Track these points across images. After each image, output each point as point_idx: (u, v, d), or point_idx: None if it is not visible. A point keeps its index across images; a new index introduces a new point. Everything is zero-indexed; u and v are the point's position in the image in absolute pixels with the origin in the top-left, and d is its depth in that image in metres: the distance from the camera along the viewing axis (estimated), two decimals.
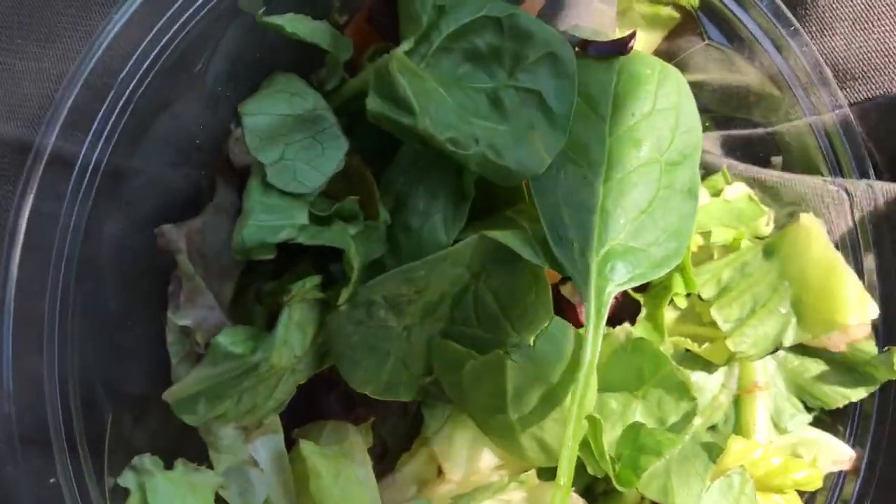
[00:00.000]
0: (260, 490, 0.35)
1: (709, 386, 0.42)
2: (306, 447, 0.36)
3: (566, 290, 0.40)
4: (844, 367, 0.42)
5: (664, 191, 0.36)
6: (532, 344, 0.35)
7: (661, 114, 0.37)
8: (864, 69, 0.44)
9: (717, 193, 0.44)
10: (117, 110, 0.33)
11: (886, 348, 0.41)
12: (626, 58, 0.37)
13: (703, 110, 0.42)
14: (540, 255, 0.34)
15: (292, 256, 0.34)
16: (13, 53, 0.39)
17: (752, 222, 0.43)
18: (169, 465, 0.33)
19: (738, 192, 0.43)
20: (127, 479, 0.32)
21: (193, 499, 0.32)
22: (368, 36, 0.38)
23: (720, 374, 0.42)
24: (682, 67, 0.42)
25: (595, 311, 0.35)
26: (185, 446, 0.35)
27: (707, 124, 0.45)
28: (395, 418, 0.41)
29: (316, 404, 0.39)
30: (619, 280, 0.35)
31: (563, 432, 0.34)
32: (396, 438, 0.41)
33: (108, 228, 0.34)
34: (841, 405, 0.42)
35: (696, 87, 0.40)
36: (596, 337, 0.35)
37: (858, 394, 0.41)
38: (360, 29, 0.38)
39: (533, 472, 0.37)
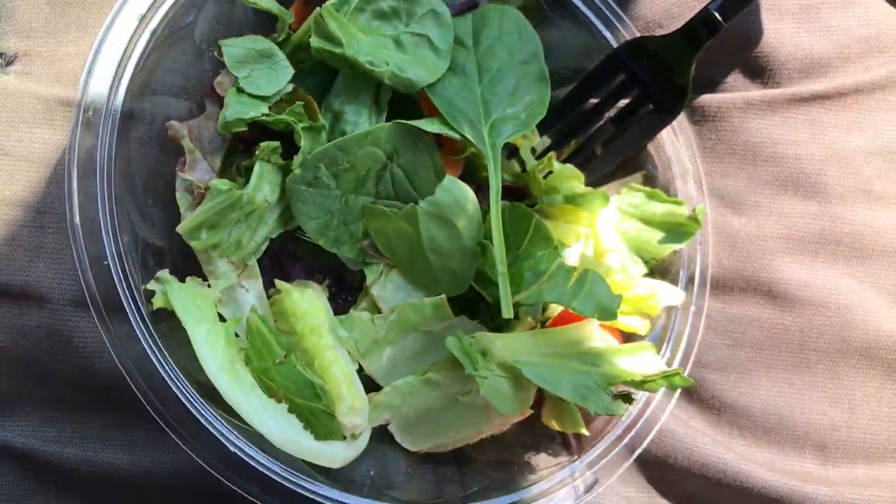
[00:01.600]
0: (246, 304, 0.48)
1: (571, 256, 0.57)
2: (281, 283, 0.50)
3: None
4: (668, 227, 0.57)
5: (523, 80, 0.54)
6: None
7: (507, 34, 0.54)
8: (663, 18, 0.61)
9: None
10: (133, 64, 0.48)
11: (693, 209, 0.56)
12: (478, 9, 0.55)
13: (561, 68, 0.59)
14: (444, 129, 0.50)
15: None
16: (60, 43, 0.54)
17: None
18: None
19: None
20: (153, 285, 0.45)
21: (200, 301, 0.45)
22: (304, 12, 0.54)
23: (579, 245, 0.57)
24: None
25: (493, 159, 0.51)
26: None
27: (556, 78, 0.60)
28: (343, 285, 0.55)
29: (284, 273, 0.53)
30: (505, 135, 0.52)
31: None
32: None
33: (133, 140, 0.48)
34: (667, 254, 0.56)
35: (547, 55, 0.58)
36: (497, 174, 0.50)
37: (679, 243, 0.56)
38: (300, 8, 0.54)
39: (444, 297, 0.51)
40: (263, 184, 0.47)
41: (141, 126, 0.49)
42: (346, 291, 0.55)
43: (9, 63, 0.54)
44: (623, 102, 0.58)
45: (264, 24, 0.53)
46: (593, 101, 0.58)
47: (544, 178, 0.56)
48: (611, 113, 0.58)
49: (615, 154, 0.58)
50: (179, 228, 0.46)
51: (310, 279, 0.53)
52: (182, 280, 0.47)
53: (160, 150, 0.50)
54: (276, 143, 0.48)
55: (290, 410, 0.46)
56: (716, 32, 0.54)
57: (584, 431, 0.52)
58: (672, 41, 0.55)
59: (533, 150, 0.58)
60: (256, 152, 0.47)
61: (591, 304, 0.49)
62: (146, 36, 0.47)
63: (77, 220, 0.44)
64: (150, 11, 0.47)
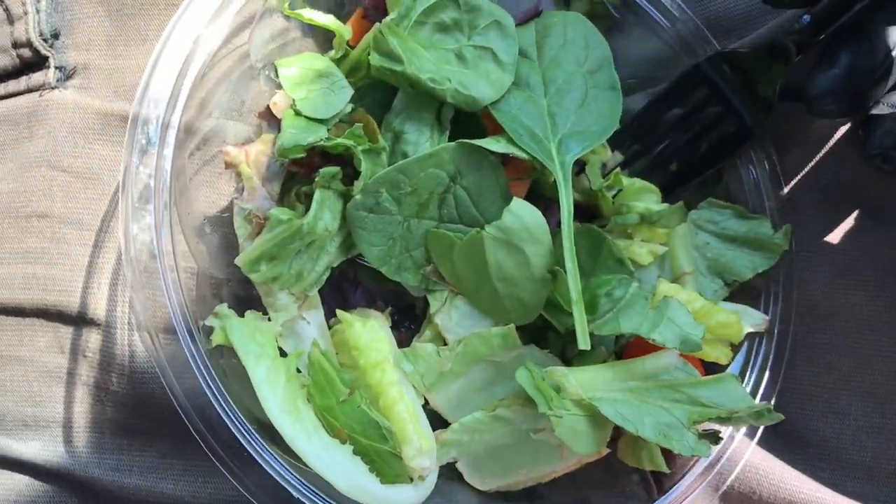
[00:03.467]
0: (307, 337, 0.46)
1: (647, 278, 0.53)
2: (342, 314, 0.48)
3: None
4: (751, 247, 0.53)
5: (592, 90, 0.51)
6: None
7: (572, 42, 0.51)
8: (738, 23, 0.57)
9: None
10: (189, 86, 0.46)
11: (780, 227, 0.53)
12: (541, 17, 0.52)
13: (629, 77, 0.56)
14: (510, 148, 0.47)
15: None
16: (119, 57, 0.53)
17: None
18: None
19: None
20: (211, 321, 0.43)
21: (260, 336, 0.43)
22: (362, 27, 0.52)
23: (655, 267, 0.54)
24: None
25: (563, 178, 0.48)
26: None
27: (626, 87, 0.57)
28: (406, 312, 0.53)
29: (345, 299, 0.51)
30: (575, 152, 0.49)
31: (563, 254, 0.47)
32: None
33: (190, 165, 0.47)
34: (751, 276, 0.53)
35: (615, 62, 0.54)
36: (568, 195, 0.48)
37: (764, 265, 0.53)
38: (357, 22, 0.52)
39: (512, 327, 0.48)
40: (324, 212, 0.45)
41: (196, 150, 0.48)
42: (408, 319, 0.53)
43: (68, 77, 0.54)
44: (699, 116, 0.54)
45: (321, 40, 0.51)
46: (670, 115, 0.54)
47: (613, 196, 0.53)
48: (691, 128, 0.54)
49: (693, 172, 0.54)
50: (238, 261, 0.44)
51: (371, 306, 0.51)
52: (241, 314, 0.45)
53: (217, 175, 0.49)
54: (336, 169, 0.46)
55: (355, 452, 0.43)
56: (807, 49, 0.50)
57: (665, 469, 0.48)
58: (758, 56, 0.51)
59: (603, 166, 0.54)
60: (316, 179, 0.45)
61: (673, 334, 0.46)
62: (202, 56, 0.46)
63: (132, 252, 0.42)
64: (205, 31, 0.46)
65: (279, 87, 0.48)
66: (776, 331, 0.53)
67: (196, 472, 0.51)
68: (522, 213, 0.47)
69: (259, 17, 0.48)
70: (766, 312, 0.53)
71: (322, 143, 0.45)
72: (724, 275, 0.53)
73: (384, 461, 0.44)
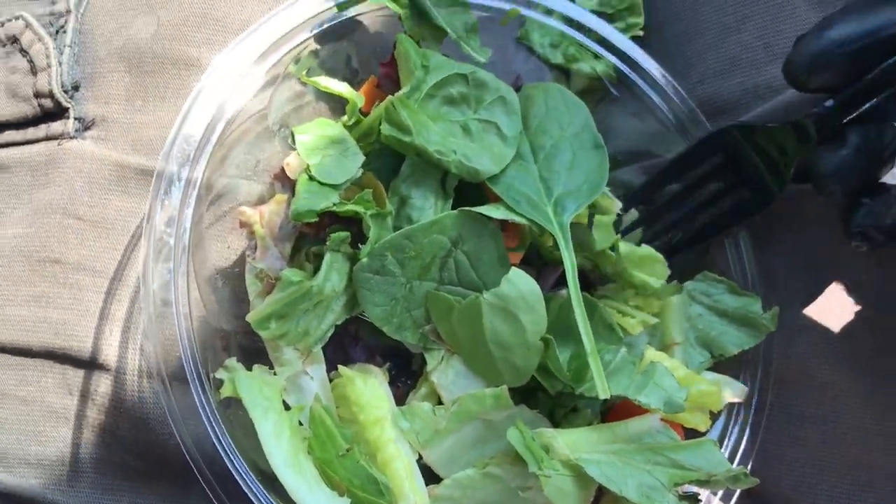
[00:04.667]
0: (309, 391, 0.48)
1: (636, 342, 0.56)
2: (344, 370, 0.50)
3: None
4: (740, 324, 0.56)
5: (578, 151, 0.54)
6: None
7: (554, 109, 0.55)
8: (729, 106, 0.61)
9: None
10: (211, 144, 0.49)
11: (769, 310, 0.56)
12: (522, 89, 0.56)
13: (619, 151, 0.59)
14: (509, 214, 0.51)
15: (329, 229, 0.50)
16: (137, 112, 0.55)
17: None
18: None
19: None
20: (221, 374, 0.46)
21: (267, 389, 0.46)
22: (375, 94, 0.55)
23: (644, 333, 0.56)
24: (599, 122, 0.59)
25: (564, 239, 0.51)
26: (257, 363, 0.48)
27: (620, 159, 0.61)
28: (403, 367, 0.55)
29: (345, 354, 0.53)
30: (571, 211, 0.53)
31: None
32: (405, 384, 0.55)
33: (206, 221, 0.49)
34: (737, 352, 0.55)
35: (611, 135, 0.58)
36: (570, 254, 0.51)
37: (750, 342, 0.56)
38: (370, 90, 0.55)
39: (505, 388, 0.51)
40: (332, 273, 0.48)
41: (211, 205, 0.50)
42: (405, 374, 0.55)
43: (87, 128, 0.56)
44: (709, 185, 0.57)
45: (334, 104, 0.54)
46: (680, 181, 0.58)
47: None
48: (700, 195, 0.57)
49: (697, 239, 0.58)
50: (249, 318, 0.47)
51: (370, 362, 0.53)
52: (247, 364, 0.47)
53: (229, 230, 0.51)
54: (346, 234, 0.49)
55: None
56: (826, 132, 0.50)
57: None
58: (776, 133, 0.53)
59: (618, 222, 0.57)
60: (327, 243, 0.48)
61: (658, 397, 0.49)
62: (226, 117, 0.49)
63: (150, 300, 0.45)
64: (230, 93, 0.49)
65: (293, 148, 0.51)
66: (754, 400, 0.56)
67: None
68: (519, 283, 0.50)
69: (279, 82, 0.51)
70: (745, 382, 0.56)
71: (334, 208, 0.48)
72: (711, 348, 0.56)
73: None
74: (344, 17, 0.52)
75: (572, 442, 0.49)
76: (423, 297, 0.51)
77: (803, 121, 0.51)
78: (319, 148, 0.50)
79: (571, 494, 0.48)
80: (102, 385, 0.52)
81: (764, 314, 0.56)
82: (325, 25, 0.52)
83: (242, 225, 0.48)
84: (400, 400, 0.53)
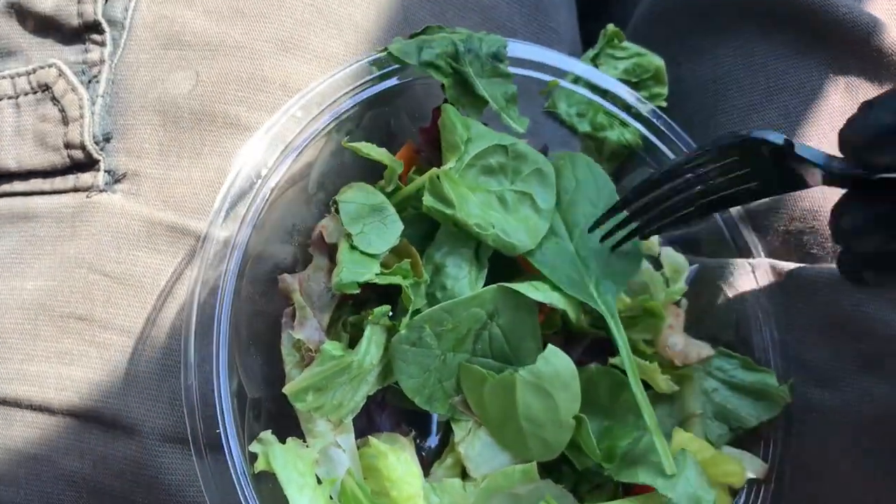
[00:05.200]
0: (340, 463, 0.47)
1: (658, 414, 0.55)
2: (375, 443, 0.49)
3: None
4: (756, 397, 0.56)
5: None
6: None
7: (583, 184, 0.54)
8: None
9: None
10: (252, 208, 0.48)
11: (785, 382, 0.55)
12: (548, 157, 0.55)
13: None
14: (549, 297, 0.49)
15: (367, 299, 0.49)
16: (170, 168, 0.53)
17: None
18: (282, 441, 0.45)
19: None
20: (255, 447, 0.44)
21: (301, 463, 0.44)
22: (412, 160, 0.54)
23: (666, 405, 0.56)
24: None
25: (612, 318, 0.51)
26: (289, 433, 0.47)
27: None
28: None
29: (372, 422, 0.52)
30: (612, 293, 0.52)
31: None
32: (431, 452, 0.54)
33: (242, 288, 0.48)
34: (755, 424, 0.55)
35: None
36: (621, 333, 0.50)
37: (767, 415, 0.55)
38: (407, 155, 0.54)
39: (534, 464, 0.50)
40: (371, 347, 0.46)
41: (249, 272, 0.48)
42: (424, 436, 0.54)
43: (117, 181, 0.54)
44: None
45: (371, 168, 0.53)
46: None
47: None
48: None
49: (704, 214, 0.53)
50: (286, 390, 0.45)
51: (396, 429, 0.51)
52: (279, 435, 0.46)
53: (261, 295, 0.49)
54: (388, 308, 0.48)
55: None
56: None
57: None
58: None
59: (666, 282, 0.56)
60: (369, 318, 0.47)
61: (686, 494, 0.48)
62: (267, 187, 0.47)
63: (193, 378, 0.43)
64: (273, 161, 0.47)
65: (329, 211, 0.50)
66: (774, 477, 0.55)
67: None
68: (555, 361, 0.49)
69: (321, 146, 0.50)
70: (765, 458, 0.55)
71: (376, 279, 0.46)
72: (729, 421, 0.56)
73: None
74: (387, 85, 0.51)
75: None
76: (455, 368, 0.50)
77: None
78: (361, 217, 0.48)
79: None
80: (120, 449, 0.50)
81: (780, 386, 0.55)
82: (370, 92, 0.51)
83: (282, 292, 0.47)
84: (424, 469, 0.51)
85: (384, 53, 0.51)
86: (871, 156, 0.42)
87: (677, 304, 0.57)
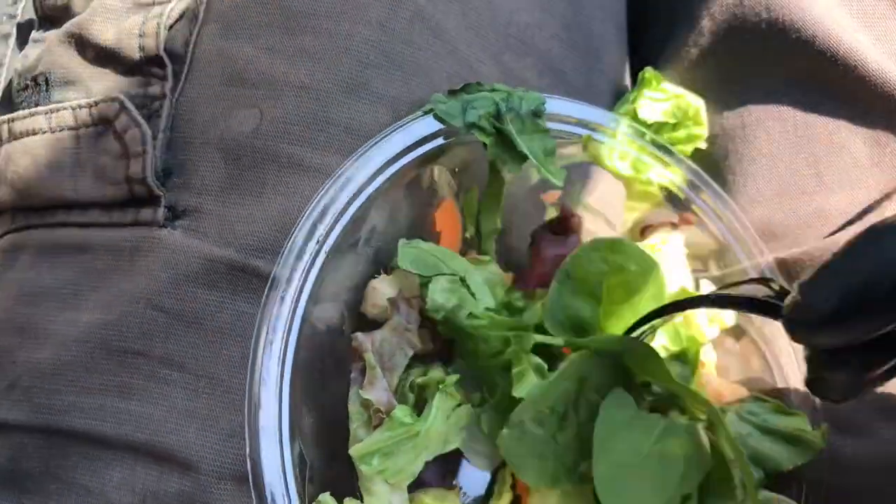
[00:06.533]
0: None
1: None
2: (423, 496, 0.47)
3: None
4: (789, 442, 0.53)
5: None
6: None
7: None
8: (783, 231, 0.59)
9: None
10: (318, 256, 0.45)
11: (818, 426, 0.53)
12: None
13: None
14: None
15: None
16: (231, 205, 0.50)
17: None
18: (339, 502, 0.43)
19: None
20: None
21: None
22: (453, 220, 0.52)
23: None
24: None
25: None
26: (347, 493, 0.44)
27: None
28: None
29: (419, 477, 0.48)
30: None
31: None
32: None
33: (305, 330, 0.45)
34: (791, 467, 0.53)
35: None
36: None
37: (801, 459, 0.53)
38: (449, 215, 0.52)
39: None
40: (438, 414, 0.44)
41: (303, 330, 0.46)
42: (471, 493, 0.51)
43: (177, 217, 0.50)
44: None
45: (419, 224, 0.50)
46: None
47: None
48: None
49: None
50: (353, 452, 0.43)
51: (442, 484, 0.49)
52: (339, 500, 0.43)
53: (318, 358, 0.47)
54: (457, 377, 0.46)
55: None
56: None
57: None
58: None
59: None
60: (441, 386, 0.44)
61: None
62: (336, 234, 0.45)
63: (260, 430, 0.40)
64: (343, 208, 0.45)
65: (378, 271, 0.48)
66: None
67: None
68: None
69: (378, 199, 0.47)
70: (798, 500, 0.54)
71: None
72: (764, 464, 0.54)
73: None
74: (436, 145, 0.49)
75: None
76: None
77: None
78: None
79: None
80: (174, 485, 0.47)
81: (814, 430, 0.53)
82: (420, 151, 0.49)
83: (354, 352, 0.44)
84: None
85: (430, 114, 0.49)
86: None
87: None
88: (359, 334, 0.44)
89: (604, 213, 0.60)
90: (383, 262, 0.50)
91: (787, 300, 0.36)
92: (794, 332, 0.36)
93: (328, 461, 0.45)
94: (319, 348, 0.46)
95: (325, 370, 0.46)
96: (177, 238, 0.50)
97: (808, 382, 0.42)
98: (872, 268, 0.31)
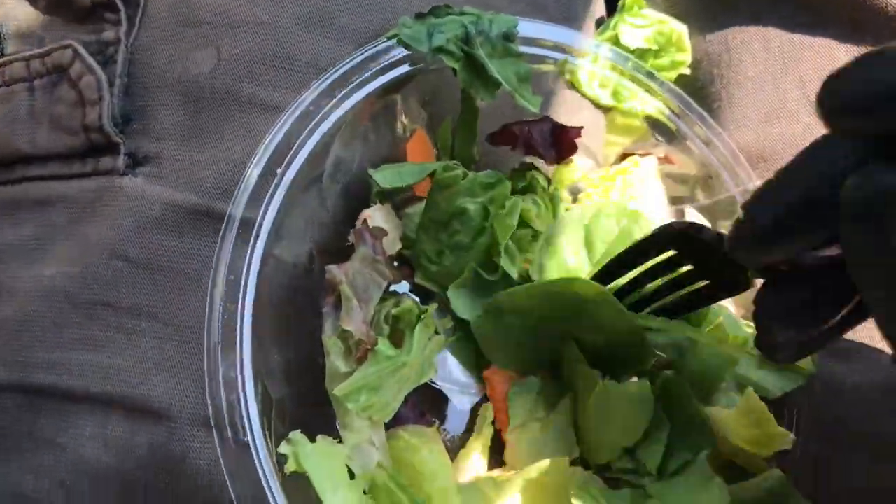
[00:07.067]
0: (371, 458, 0.42)
1: None
2: (404, 434, 0.44)
3: None
4: (779, 368, 0.49)
5: None
6: None
7: None
8: (772, 154, 0.55)
9: None
10: (276, 191, 0.42)
11: None
12: None
13: None
14: None
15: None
16: (193, 149, 0.47)
17: None
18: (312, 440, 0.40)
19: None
20: (285, 449, 0.39)
21: (331, 462, 0.39)
22: (426, 150, 0.49)
23: None
24: None
25: None
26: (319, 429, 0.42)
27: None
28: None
29: (397, 414, 0.45)
30: None
31: None
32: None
33: (268, 269, 0.42)
34: (780, 394, 0.48)
35: None
36: None
37: (791, 385, 0.48)
38: (420, 145, 0.49)
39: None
40: (418, 347, 0.41)
41: (266, 270, 0.43)
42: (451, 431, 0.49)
43: (138, 164, 0.48)
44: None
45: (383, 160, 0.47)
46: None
47: None
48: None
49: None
50: (339, 391, 0.40)
51: (420, 421, 0.46)
52: (309, 436, 0.40)
53: (286, 297, 0.44)
54: (436, 305, 0.44)
55: None
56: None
57: None
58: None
59: None
60: (422, 317, 0.42)
61: None
62: (294, 169, 0.42)
63: (220, 375, 0.38)
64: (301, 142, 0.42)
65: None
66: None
67: None
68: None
69: (341, 129, 0.44)
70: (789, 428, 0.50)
71: None
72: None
73: None
74: (400, 73, 0.46)
75: None
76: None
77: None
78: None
79: None
80: (147, 435, 0.45)
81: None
82: (383, 80, 0.45)
83: (329, 284, 0.41)
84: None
85: (394, 39, 0.45)
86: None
87: None
88: (332, 267, 0.41)
89: (584, 143, 0.56)
90: (360, 198, 0.47)
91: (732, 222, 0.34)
92: (737, 251, 0.34)
93: (299, 400, 0.43)
94: (288, 287, 0.44)
95: (296, 309, 0.44)
96: (138, 185, 0.47)
97: (758, 342, 0.40)
98: (810, 181, 0.30)
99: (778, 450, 0.47)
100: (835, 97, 0.28)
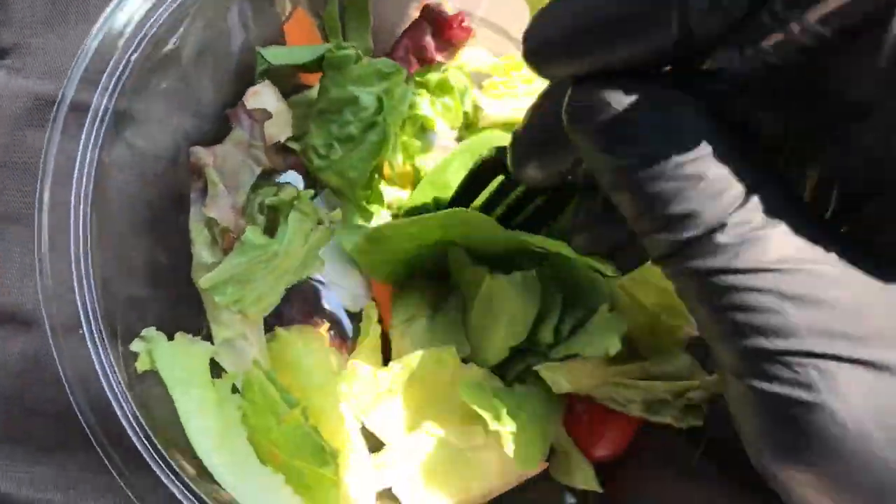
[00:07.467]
0: (246, 354, 0.39)
1: None
2: (282, 332, 0.41)
3: None
4: None
5: None
6: None
7: None
8: None
9: None
10: (120, 68, 0.37)
11: None
12: None
13: None
14: None
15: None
16: (57, 37, 0.44)
17: None
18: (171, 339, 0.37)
19: None
20: (137, 346, 0.36)
21: (190, 361, 0.36)
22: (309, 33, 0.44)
23: None
24: None
25: None
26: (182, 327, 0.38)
27: None
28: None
29: (281, 315, 0.43)
30: None
31: None
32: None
33: (118, 157, 0.38)
34: None
35: None
36: None
37: None
38: (304, 27, 0.44)
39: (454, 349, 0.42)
40: (296, 235, 0.38)
41: (120, 147, 0.39)
42: (342, 336, 0.45)
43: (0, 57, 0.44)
44: None
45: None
46: None
47: None
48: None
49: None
50: (204, 284, 0.37)
51: (307, 322, 0.44)
52: (170, 335, 0.37)
53: (149, 191, 0.40)
54: (312, 192, 0.40)
55: (289, 480, 0.37)
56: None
57: (598, 488, 0.43)
58: None
59: None
60: (295, 203, 0.38)
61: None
62: (143, 45, 0.37)
63: (48, 280, 0.34)
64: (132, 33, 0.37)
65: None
66: None
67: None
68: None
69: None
70: None
71: None
72: None
73: (320, 488, 0.38)
74: None
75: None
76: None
77: None
78: None
79: (530, 449, 0.40)
80: (18, 345, 0.42)
81: None
82: None
83: (193, 168, 0.38)
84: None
85: None
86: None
87: None
88: (197, 148, 0.38)
89: (505, 29, 0.51)
90: (241, 83, 0.42)
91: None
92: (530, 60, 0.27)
93: (171, 301, 0.40)
94: (153, 181, 0.40)
95: (162, 203, 0.40)
96: (0, 80, 0.43)
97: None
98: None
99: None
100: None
